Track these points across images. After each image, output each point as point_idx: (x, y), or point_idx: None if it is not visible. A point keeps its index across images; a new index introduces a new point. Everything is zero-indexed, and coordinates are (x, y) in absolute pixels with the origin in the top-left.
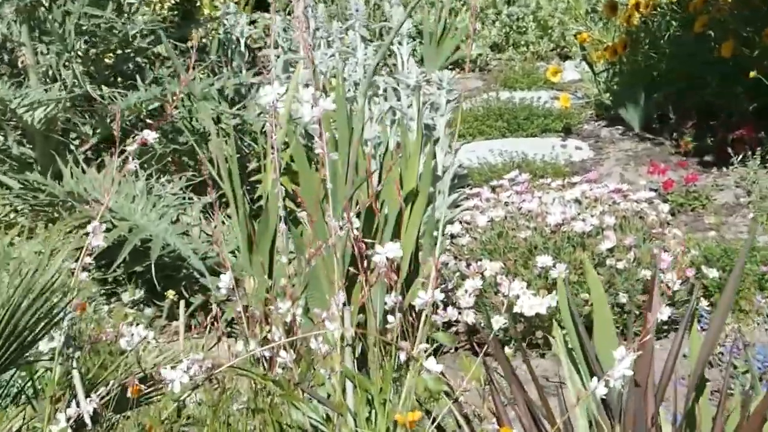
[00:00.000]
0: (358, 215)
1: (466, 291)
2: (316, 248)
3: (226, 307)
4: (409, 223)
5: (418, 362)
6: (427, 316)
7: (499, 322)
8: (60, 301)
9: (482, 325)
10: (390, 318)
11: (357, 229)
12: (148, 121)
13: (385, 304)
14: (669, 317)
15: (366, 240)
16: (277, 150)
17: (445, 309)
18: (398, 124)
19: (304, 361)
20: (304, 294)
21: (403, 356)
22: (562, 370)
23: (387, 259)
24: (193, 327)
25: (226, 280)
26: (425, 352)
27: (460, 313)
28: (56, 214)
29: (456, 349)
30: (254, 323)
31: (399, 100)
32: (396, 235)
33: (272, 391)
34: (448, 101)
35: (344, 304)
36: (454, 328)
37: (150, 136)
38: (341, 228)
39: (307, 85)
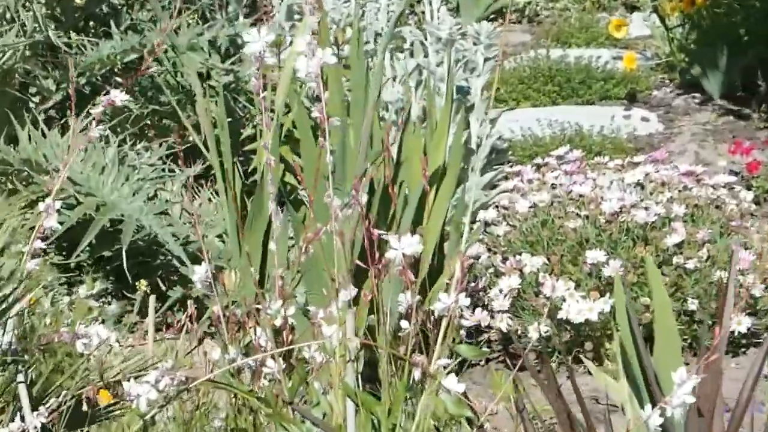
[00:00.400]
0: (371, 192)
1: (500, 291)
2: (313, 233)
3: (211, 303)
4: (433, 208)
5: (435, 380)
6: (449, 324)
7: (539, 329)
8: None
9: (519, 333)
10: (404, 324)
11: (366, 211)
12: (121, 77)
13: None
14: (748, 329)
15: (380, 231)
16: (277, 115)
17: (473, 311)
18: (425, 86)
19: (296, 373)
20: (297, 289)
21: (417, 373)
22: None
23: (404, 255)
24: (168, 326)
25: (201, 272)
26: (445, 367)
27: (492, 317)
28: (10, 186)
29: (488, 361)
30: (234, 326)
31: (427, 56)
32: (417, 223)
33: (257, 408)
34: (487, 59)
35: (351, 304)
36: (485, 335)
37: (118, 97)
38: (346, 207)
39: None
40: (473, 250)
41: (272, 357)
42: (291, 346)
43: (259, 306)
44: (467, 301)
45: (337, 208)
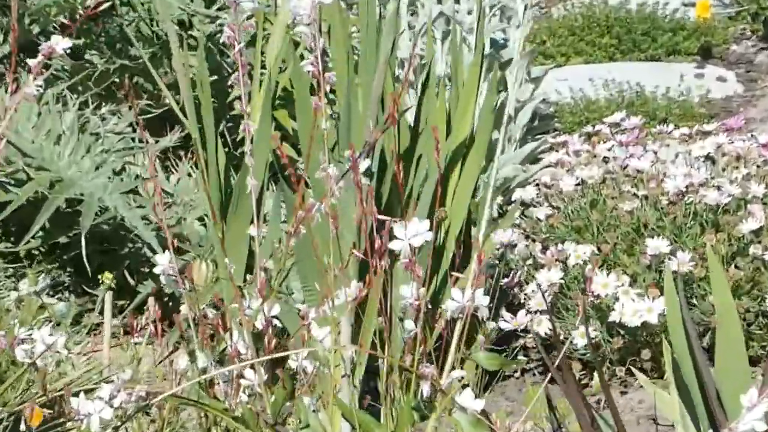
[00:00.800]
0: (382, 167)
1: (539, 287)
2: (306, 211)
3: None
4: (458, 186)
5: (447, 396)
6: (464, 327)
7: (586, 334)
8: None
9: (562, 338)
10: (408, 325)
11: (376, 186)
12: (85, 24)
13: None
14: None
15: (389, 215)
16: (269, 72)
17: (513, 314)
18: (451, 38)
19: (281, 387)
20: (293, 284)
21: (426, 388)
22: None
23: (411, 247)
24: (135, 328)
25: (164, 261)
26: (462, 379)
27: (532, 319)
28: None
29: (523, 372)
30: (206, 329)
31: (458, 2)
32: (439, 204)
33: (233, 429)
34: (527, 6)
35: (352, 303)
36: (521, 341)
37: (60, 45)
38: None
39: None
40: (506, 236)
41: (252, 367)
42: (274, 355)
43: (237, 305)
44: (485, 300)
45: (334, 182)
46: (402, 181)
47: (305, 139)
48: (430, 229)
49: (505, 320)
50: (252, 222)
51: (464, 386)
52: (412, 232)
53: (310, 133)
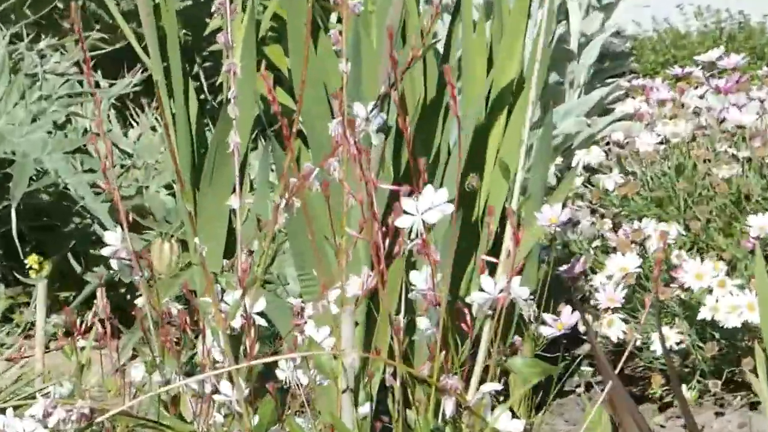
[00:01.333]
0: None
1: (609, 277)
2: (302, 176)
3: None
4: (503, 144)
5: (476, 416)
6: (497, 326)
7: (668, 338)
8: None
9: (638, 343)
10: (423, 323)
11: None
12: None
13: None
14: None
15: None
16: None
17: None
18: None
19: (266, 403)
20: (287, 272)
21: (450, 405)
22: None
23: (424, 224)
24: (79, 328)
25: (114, 241)
26: (497, 394)
27: (596, 318)
28: None
29: (588, 386)
30: (168, 329)
31: None
32: (475, 167)
33: None
34: None
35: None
36: (585, 346)
37: None
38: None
39: None
40: (565, 212)
41: (230, 379)
42: (257, 362)
43: (207, 299)
44: (524, 291)
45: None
46: (426, 139)
47: (298, 83)
48: (451, 201)
49: (545, 323)
50: (234, 191)
51: (498, 402)
52: (425, 204)
53: (302, 76)
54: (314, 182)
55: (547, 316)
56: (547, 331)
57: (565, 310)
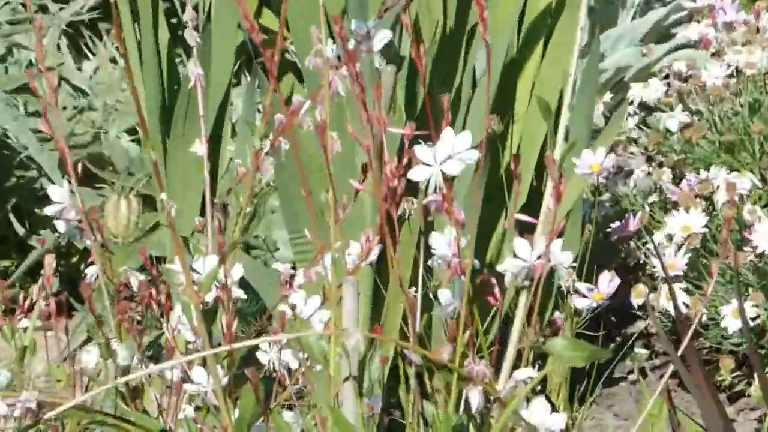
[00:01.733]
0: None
1: (669, 238)
2: (291, 111)
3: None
4: (539, 79)
5: (506, 408)
6: (534, 300)
7: (741, 312)
8: None
9: (704, 319)
10: (444, 297)
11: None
12: None
13: None
14: None
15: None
16: None
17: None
18: None
19: (247, 393)
20: (275, 233)
21: (476, 397)
22: None
23: (443, 175)
24: (22, 305)
25: (59, 197)
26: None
27: (655, 288)
28: None
29: (644, 372)
30: (123, 305)
31: None
32: (505, 105)
33: None
34: None
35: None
36: (639, 324)
37: None
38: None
39: None
40: (609, 158)
41: (204, 364)
42: (236, 345)
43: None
44: (567, 257)
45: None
46: (446, 75)
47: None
48: (476, 147)
49: (581, 293)
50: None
51: (534, 392)
52: (444, 152)
53: None
54: (305, 119)
55: (582, 285)
56: (587, 304)
57: (603, 276)
